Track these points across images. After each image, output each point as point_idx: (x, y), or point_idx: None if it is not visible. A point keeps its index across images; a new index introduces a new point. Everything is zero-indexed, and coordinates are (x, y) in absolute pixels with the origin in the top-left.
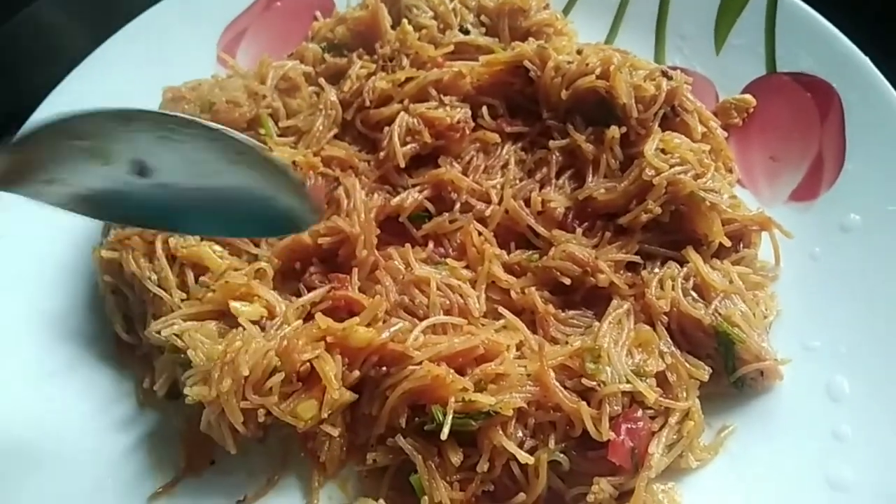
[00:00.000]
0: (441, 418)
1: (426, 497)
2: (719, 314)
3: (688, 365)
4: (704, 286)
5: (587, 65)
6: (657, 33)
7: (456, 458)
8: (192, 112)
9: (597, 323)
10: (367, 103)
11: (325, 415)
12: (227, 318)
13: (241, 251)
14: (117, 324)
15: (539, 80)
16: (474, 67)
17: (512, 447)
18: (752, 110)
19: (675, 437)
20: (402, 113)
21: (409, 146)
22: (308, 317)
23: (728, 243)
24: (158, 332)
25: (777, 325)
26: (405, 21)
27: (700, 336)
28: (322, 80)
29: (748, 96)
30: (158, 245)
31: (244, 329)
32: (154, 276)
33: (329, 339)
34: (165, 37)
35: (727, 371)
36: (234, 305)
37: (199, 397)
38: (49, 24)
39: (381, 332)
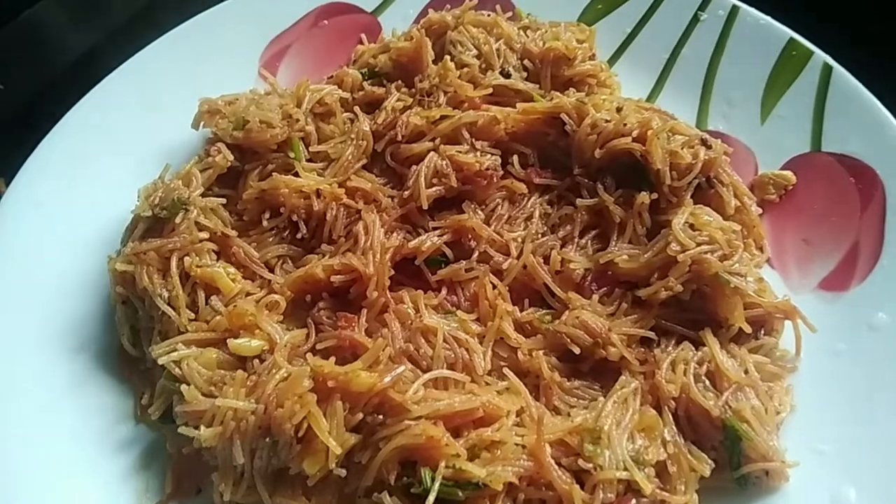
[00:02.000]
0: (429, 483)
1: None
2: (729, 407)
3: (690, 457)
4: (718, 374)
5: (625, 125)
6: (702, 96)
7: None
8: (224, 128)
9: (602, 398)
10: (399, 137)
11: (332, 466)
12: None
13: (255, 275)
14: (124, 335)
15: (574, 134)
16: (510, 114)
17: None
18: (790, 188)
19: None
20: (432, 153)
21: (434, 188)
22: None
23: (749, 329)
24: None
25: (788, 421)
26: (447, 57)
27: (707, 427)
28: (357, 109)
29: (788, 173)
30: (173, 262)
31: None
32: (165, 294)
33: (330, 383)
34: (208, 45)
35: (732, 466)
36: (234, 343)
37: (210, 443)
38: (51, 26)
39: (383, 377)
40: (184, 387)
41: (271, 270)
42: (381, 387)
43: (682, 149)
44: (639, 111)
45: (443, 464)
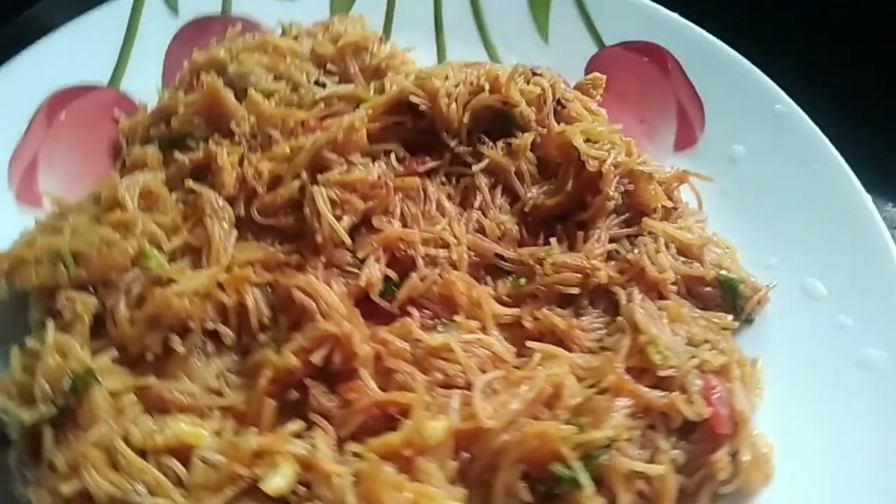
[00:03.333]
0: (567, 473)
1: None
2: (713, 265)
3: (716, 320)
4: (682, 246)
5: (473, 84)
6: (483, 41)
7: None
8: (47, 273)
9: (617, 319)
10: (261, 190)
11: None
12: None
13: (203, 410)
14: None
15: (431, 110)
16: (359, 118)
17: (641, 466)
18: (604, 85)
19: (741, 386)
20: (317, 188)
21: (344, 220)
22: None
23: (671, 204)
24: None
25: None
26: (251, 91)
27: (707, 291)
28: (190, 182)
29: (597, 74)
30: (119, 446)
31: None
32: (140, 487)
33: (407, 452)
34: None
35: (737, 313)
36: (272, 486)
37: None
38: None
39: (449, 419)
40: None
41: (219, 395)
42: (455, 427)
43: (527, 85)
44: (466, 68)
45: (566, 449)
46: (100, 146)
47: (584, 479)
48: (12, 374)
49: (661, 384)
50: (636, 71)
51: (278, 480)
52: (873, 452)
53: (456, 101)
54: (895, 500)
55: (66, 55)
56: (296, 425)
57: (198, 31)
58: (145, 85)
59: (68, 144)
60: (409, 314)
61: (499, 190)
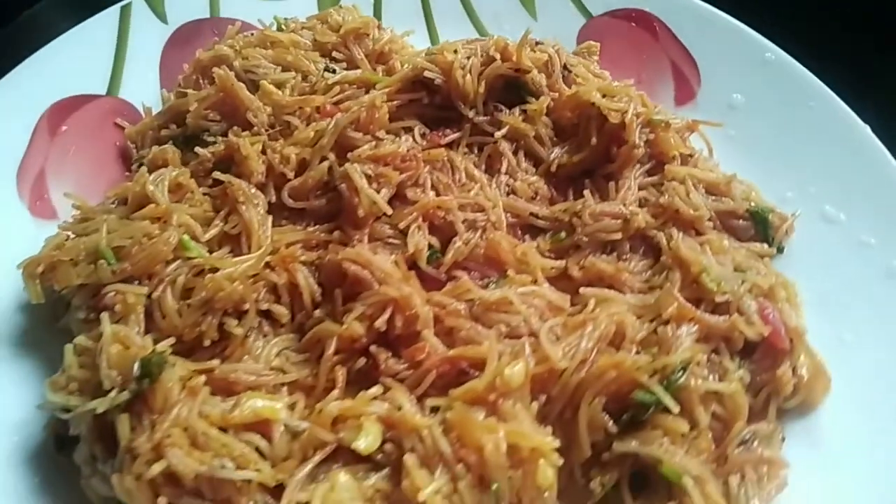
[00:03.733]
0: (650, 397)
1: (686, 477)
2: (744, 199)
3: (753, 248)
4: (710, 185)
5: (483, 55)
6: (473, 23)
7: (684, 427)
8: (88, 271)
9: (661, 259)
10: (291, 176)
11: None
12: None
13: (271, 388)
14: None
15: (447, 83)
16: (378, 96)
17: (715, 385)
18: (597, 52)
19: (788, 306)
20: (351, 164)
21: (382, 192)
22: None
23: (688, 151)
24: None
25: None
26: (263, 82)
27: (740, 224)
28: (218, 174)
29: (590, 42)
30: (201, 424)
31: None
32: (227, 462)
33: (491, 397)
34: None
35: (769, 242)
36: (362, 446)
37: None
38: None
39: (523, 363)
40: None
41: (283, 372)
42: (532, 371)
43: (533, 53)
44: (470, 44)
45: (645, 376)
46: (107, 154)
47: (669, 400)
48: (68, 372)
49: (718, 310)
50: (626, 37)
51: (366, 441)
52: None
53: (470, 72)
54: None
55: (60, 69)
56: (373, 389)
57: (190, 34)
58: (143, 91)
59: (74, 155)
60: (457, 278)
61: (521, 155)
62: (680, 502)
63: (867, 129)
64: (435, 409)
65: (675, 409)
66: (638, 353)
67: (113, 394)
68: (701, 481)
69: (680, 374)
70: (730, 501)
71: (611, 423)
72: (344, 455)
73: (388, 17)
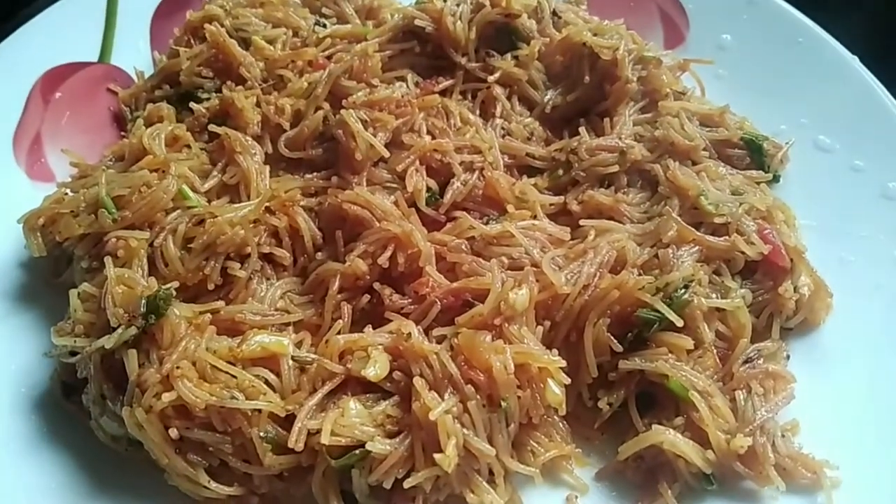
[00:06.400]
0: (653, 315)
1: (693, 393)
2: (737, 129)
3: (751, 176)
4: (704, 117)
5: (472, 2)
6: None
7: (688, 343)
8: (88, 221)
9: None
10: (287, 127)
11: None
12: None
13: (277, 327)
14: None
15: (438, 31)
16: (370, 45)
17: (717, 302)
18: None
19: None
20: (346, 111)
21: (378, 136)
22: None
23: (680, 88)
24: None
25: None
26: (255, 38)
27: (735, 153)
28: (214, 127)
29: None
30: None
31: None
32: (237, 393)
33: (497, 321)
34: None
35: (764, 170)
36: (371, 374)
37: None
38: None
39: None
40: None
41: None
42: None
43: None
44: None
45: (646, 295)
46: (101, 118)
47: (673, 315)
48: (74, 316)
49: (718, 232)
50: None
51: (374, 369)
52: None
53: (460, 19)
54: None
55: (51, 38)
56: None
57: (180, 1)
58: (134, 58)
59: (69, 120)
60: (456, 220)
61: (515, 99)
62: (687, 417)
63: (855, 60)
64: (442, 339)
65: (679, 322)
66: (640, 275)
67: (120, 330)
68: (707, 395)
69: (682, 290)
70: (737, 414)
71: (615, 342)
72: (353, 385)
73: None
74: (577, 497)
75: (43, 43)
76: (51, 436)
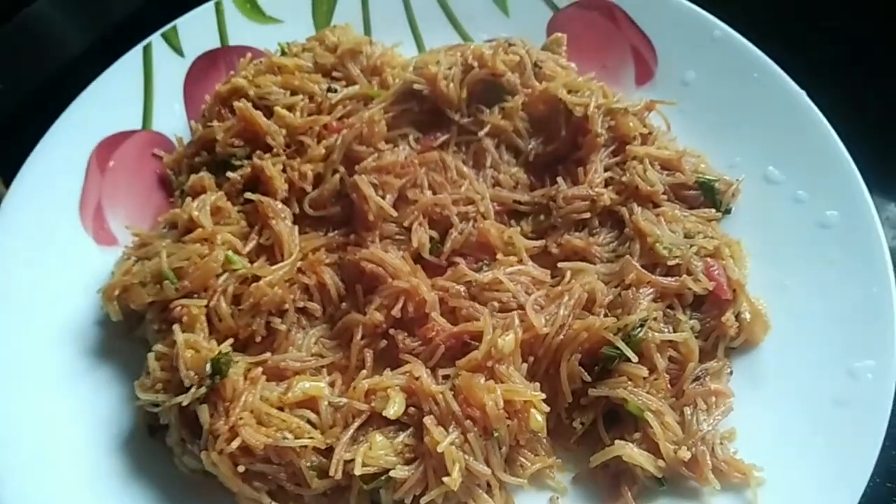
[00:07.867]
0: (615, 351)
1: (647, 413)
2: (692, 172)
3: (702, 215)
4: (664, 162)
5: (462, 64)
6: (453, 25)
7: (644, 372)
8: (155, 291)
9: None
10: (308, 189)
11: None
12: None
13: (313, 371)
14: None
15: (433, 93)
16: (376, 111)
17: (669, 335)
18: (565, 42)
19: (732, 262)
20: (359, 176)
21: (387, 198)
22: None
23: (646, 130)
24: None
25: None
26: (276, 108)
27: (691, 194)
28: (249, 194)
29: (558, 34)
30: (264, 407)
31: None
32: (287, 434)
33: (489, 364)
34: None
35: (716, 206)
36: (392, 412)
37: None
38: (48, 24)
39: (515, 332)
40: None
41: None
42: (521, 338)
43: (506, 56)
44: (450, 51)
45: (609, 334)
46: (149, 182)
47: (629, 352)
48: (153, 374)
49: (671, 272)
50: (590, 26)
51: (394, 408)
52: (844, 288)
53: (453, 81)
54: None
55: (99, 109)
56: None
57: (206, 65)
58: (172, 121)
59: (123, 186)
60: (456, 264)
61: (503, 148)
62: (644, 432)
63: (803, 94)
64: (446, 377)
65: (634, 358)
66: (606, 315)
67: (193, 390)
68: (659, 414)
69: (639, 329)
70: (684, 428)
71: (585, 374)
72: (377, 420)
73: (376, 25)
74: (558, 498)
75: (93, 115)
76: (140, 469)
